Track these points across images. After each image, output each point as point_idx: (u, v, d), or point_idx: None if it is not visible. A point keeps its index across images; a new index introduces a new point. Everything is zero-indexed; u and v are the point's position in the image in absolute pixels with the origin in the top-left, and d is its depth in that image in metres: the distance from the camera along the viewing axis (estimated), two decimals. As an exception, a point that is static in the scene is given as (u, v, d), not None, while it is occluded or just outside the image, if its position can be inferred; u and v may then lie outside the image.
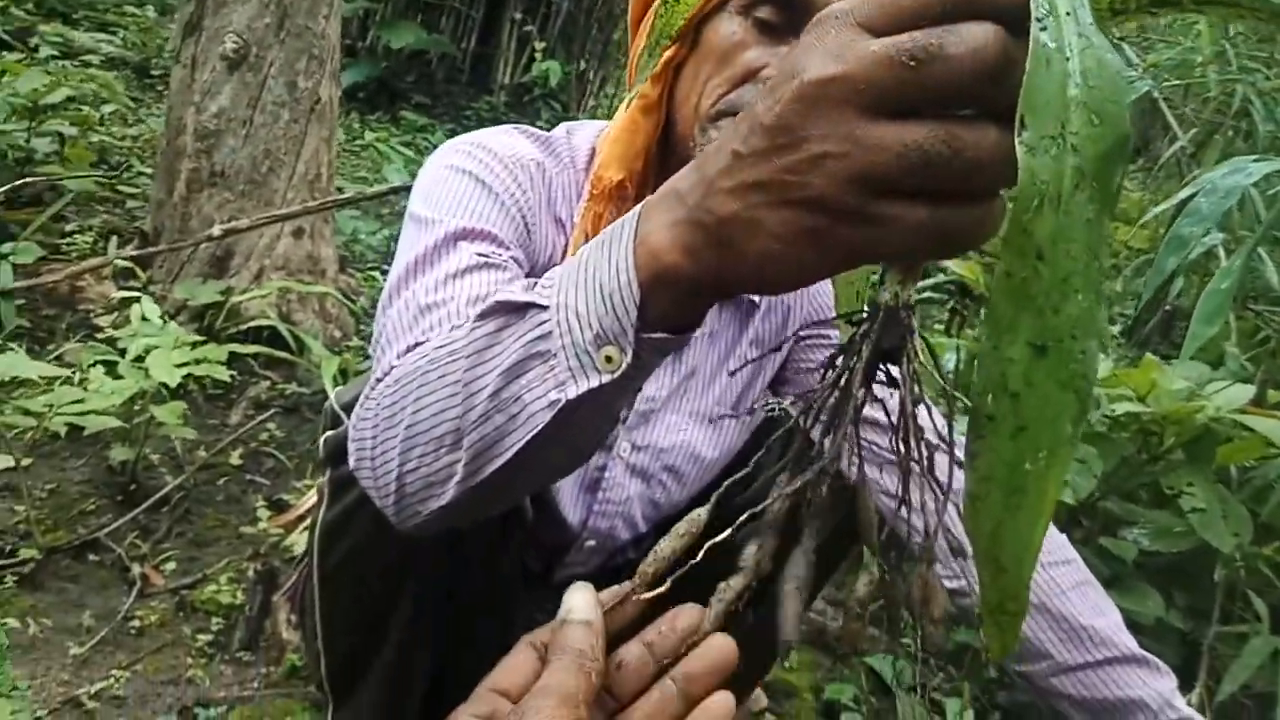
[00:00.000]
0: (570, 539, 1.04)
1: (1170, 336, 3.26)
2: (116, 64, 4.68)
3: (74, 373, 1.66)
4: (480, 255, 0.80)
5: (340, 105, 2.81)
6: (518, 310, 0.58)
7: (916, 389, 0.45)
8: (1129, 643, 0.93)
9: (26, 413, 1.45)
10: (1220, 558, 1.46)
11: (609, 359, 0.53)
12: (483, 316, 0.60)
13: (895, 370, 0.44)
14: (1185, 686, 1.06)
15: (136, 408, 1.65)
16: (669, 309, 0.51)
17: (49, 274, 2.22)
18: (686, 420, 1.04)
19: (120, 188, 2.93)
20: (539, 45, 5.61)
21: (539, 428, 0.57)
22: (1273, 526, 1.51)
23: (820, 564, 0.48)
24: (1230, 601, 1.55)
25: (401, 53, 5.43)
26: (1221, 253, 2.21)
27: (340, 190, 3.09)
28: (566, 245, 0.94)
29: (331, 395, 0.85)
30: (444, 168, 0.88)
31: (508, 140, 0.93)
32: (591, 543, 1.05)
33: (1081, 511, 1.65)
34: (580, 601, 0.45)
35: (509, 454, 0.59)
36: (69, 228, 2.54)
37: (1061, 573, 0.96)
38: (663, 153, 0.91)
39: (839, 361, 0.46)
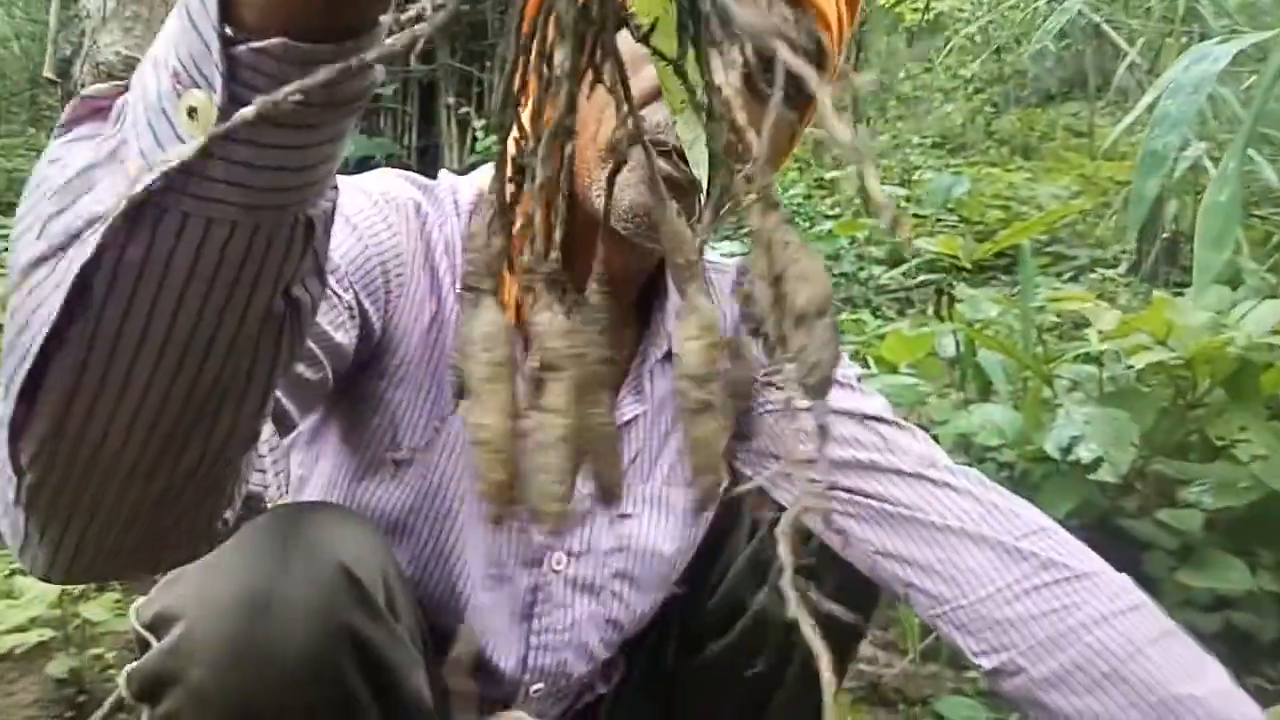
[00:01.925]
0: (509, 689, 0.85)
1: (1178, 261, 3.05)
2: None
3: None
4: None
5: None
6: (104, 107, 0.39)
7: None
8: (1249, 712, 0.71)
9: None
10: (1299, 502, 1.26)
11: (192, 112, 0.34)
12: (64, 127, 0.40)
13: None
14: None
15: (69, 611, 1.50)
16: None
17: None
18: (633, 512, 0.86)
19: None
20: (478, 124, 5.56)
21: (85, 259, 0.35)
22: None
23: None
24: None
25: (348, 162, 5.41)
26: (1207, 163, 2.03)
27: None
28: (441, 298, 0.79)
29: (132, 612, 0.66)
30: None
31: (384, 181, 0.80)
32: (539, 686, 0.86)
33: (1128, 484, 1.46)
34: None
35: (43, 331, 0.36)
36: None
37: (1131, 624, 0.75)
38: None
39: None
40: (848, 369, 0.92)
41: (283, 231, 0.38)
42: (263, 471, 0.59)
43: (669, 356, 0.88)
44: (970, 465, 1.76)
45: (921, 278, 3.74)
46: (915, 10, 7.25)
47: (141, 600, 0.65)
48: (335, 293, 0.69)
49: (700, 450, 0.34)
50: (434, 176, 0.86)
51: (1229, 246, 0.93)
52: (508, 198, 0.34)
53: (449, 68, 6.26)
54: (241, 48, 0.33)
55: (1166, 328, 1.37)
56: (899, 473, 0.83)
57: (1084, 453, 1.29)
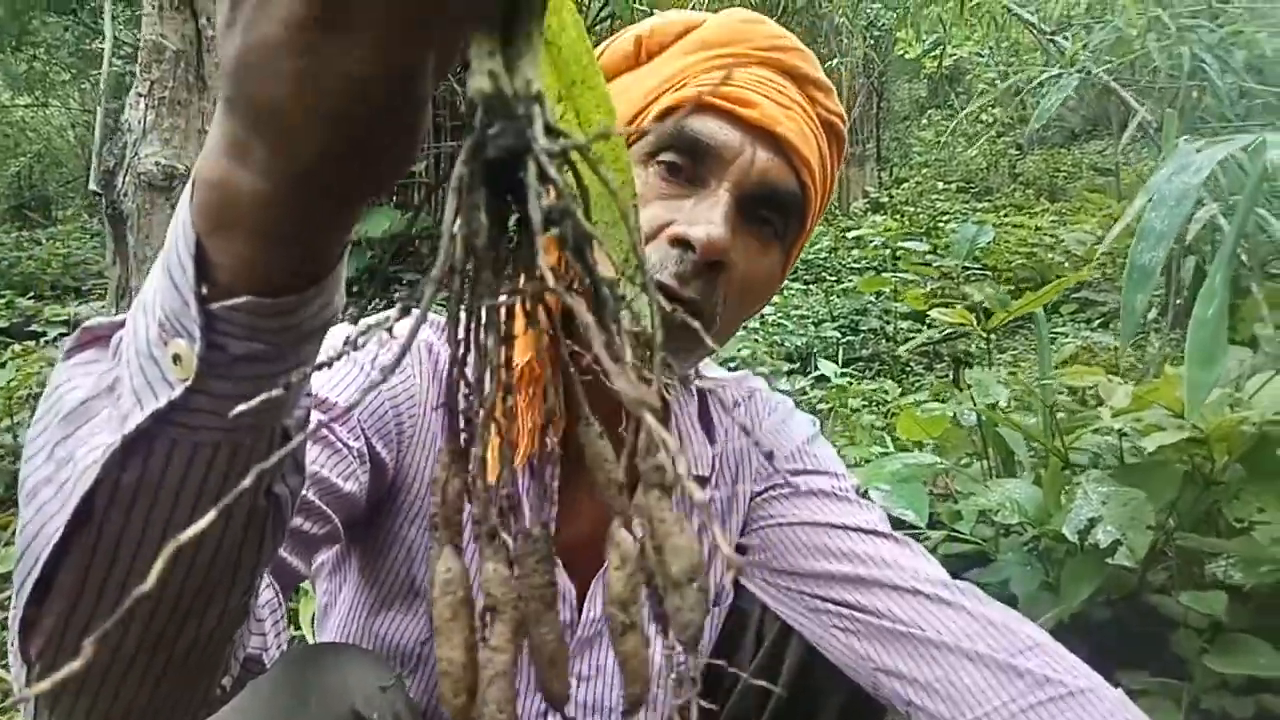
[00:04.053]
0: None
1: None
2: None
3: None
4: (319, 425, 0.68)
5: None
6: (103, 337, 0.44)
7: (560, 219, 0.29)
8: None
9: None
10: (1326, 581, 1.24)
11: (177, 358, 0.38)
12: (69, 352, 0.46)
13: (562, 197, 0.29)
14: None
15: None
16: (247, 253, 0.36)
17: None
18: (613, 665, 0.89)
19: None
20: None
21: (86, 490, 0.39)
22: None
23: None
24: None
25: (383, 239, 5.54)
26: (1222, 221, 2.02)
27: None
28: None
29: None
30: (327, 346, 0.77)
31: (397, 322, 0.83)
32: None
33: (1151, 562, 1.44)
34: None
35: (49, 547, 0.41)
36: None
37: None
38: (570, 325, 0.80)
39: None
40: (844, 481, 0.94)
41: (261, 444, 0.42)
42: (262, 635, 0.62)
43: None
44: (996, 539, 1.76)
45: (948, 330, 3.74)
46: (933, 59, 7.32)
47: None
48: (345, 443, 0.73)
49: (629, 663, 0.37)
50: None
51: (1220, 363, 0.93)
52: (461, 444, 0.37)
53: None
54: (215, 305, 0.37)
55: (1181, 402, 1.36)
56: (895, 588, 0.84)
57: (1101, 536, 1.28)
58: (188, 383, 0.38)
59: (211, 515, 0.26)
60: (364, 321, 0.34)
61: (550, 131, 0.29)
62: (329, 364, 0.32)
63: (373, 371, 0.77)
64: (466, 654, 0.35)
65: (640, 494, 0.30)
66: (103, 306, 5.50)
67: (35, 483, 0.43)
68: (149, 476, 0.40)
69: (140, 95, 2.38)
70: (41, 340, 4.54)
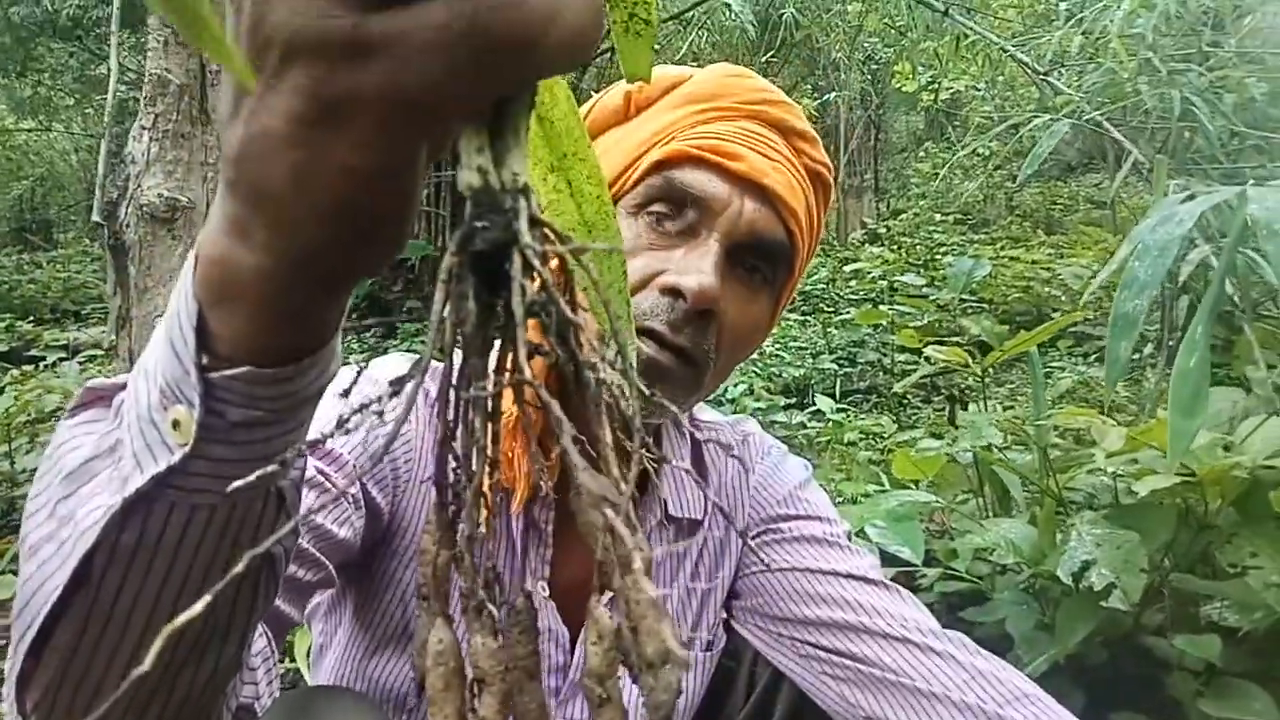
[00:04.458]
0: None
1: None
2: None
3: None
4: (314, 471, 0.69)
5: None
6: (105, 397, 0.46)
7: (542, 310, 0.31)
8: None
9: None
10: (1319, 626, 1.24)
11: (177, 424, 0.39)
12: (72, 412, 0.47)
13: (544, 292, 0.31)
14: None
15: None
16: (246, 326, 0.38)
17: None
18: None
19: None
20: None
21: (87, 550, 0.41)
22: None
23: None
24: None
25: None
26: (1213, 261, 2.05)
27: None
28: None
29: None
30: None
31: (393, 368, 0.83)
32: None
33: (1146, 602, 1.44)
34: None
35: (49, 603, 0.42)
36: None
37: None
38: (563, 379, 0.81)
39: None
40: (836, 526, 0.95)
41: (256, 505, 0.43)
42: (254, 684, 0.63)
43: (667, 519, 0.91)
44: (992, 576, 1.75)
45: (944, 366, 3.75)
46: (931, 92, 7.40)
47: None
48: (340, 489, 0.73)
49: None
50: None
51: (1202, 413, 0.94)
52: (449, 517, 0.38)
53: (478, 170, 6.48)
54: (215, 375, 0.38)
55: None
56: (885, 636, 0.85)
57: (1096, 578, 1.28)
58: (186, 448, 0.39)
59: (202, 603, 0.27)
60: (355, 400, 0.35)
61: (535, 224, 0.30)
62: (322, 441, 0.33)
63: (369, 420, 0.78)
64: (459, 720, 0.36)
65: (617, 577, 0.31)
66: (102, 332, 5.51)
67: (37, 539, 0.44)
68: (147, 537, 0.41)
69: (144, 128, 2.41)
70: (40, 365, 4.55)
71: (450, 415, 0.35)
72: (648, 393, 0.32)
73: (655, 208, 0.77)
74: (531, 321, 0.33)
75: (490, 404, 0.33)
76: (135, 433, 0.41)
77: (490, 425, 0.36)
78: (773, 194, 0.78)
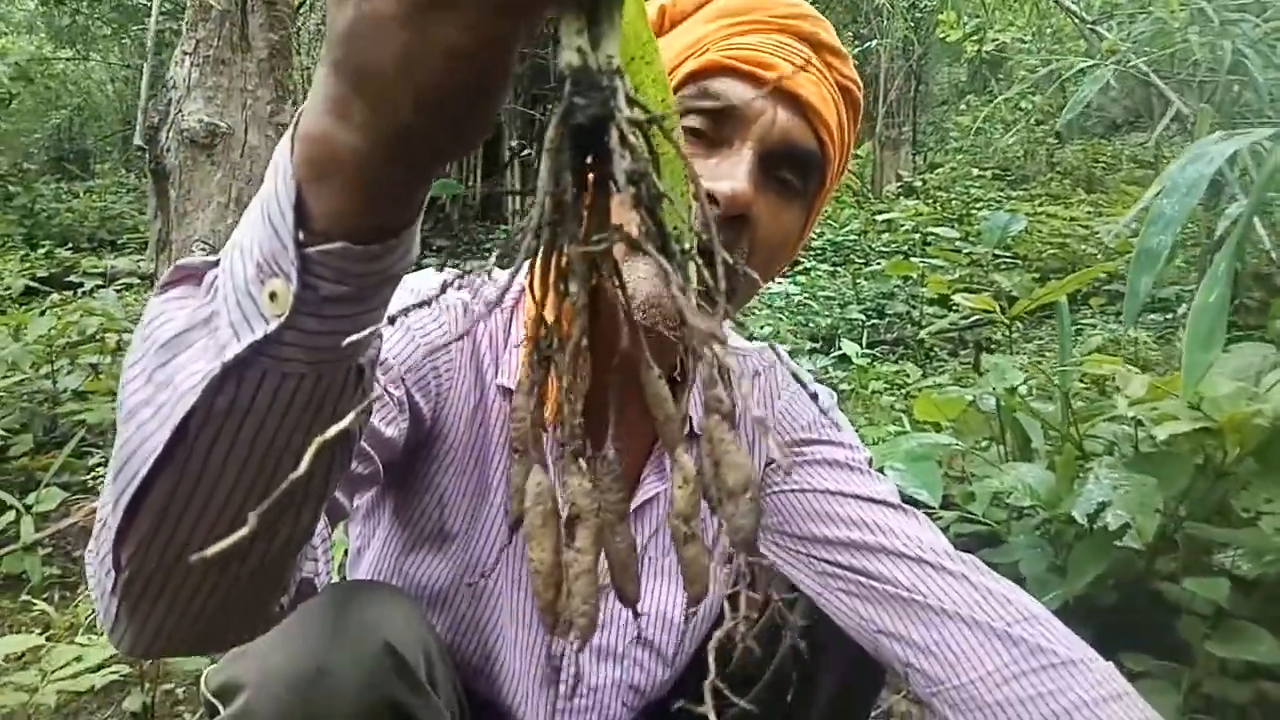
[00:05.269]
0: (537, 752, 0.92)
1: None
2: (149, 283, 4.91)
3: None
4: None
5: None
6: (195, 275, 0.48)
7: (639, 180, 0.33)
8: None
9: (18, 688, 1.43)
10: (1330, 574, 1.26)
11: (274, 296, 0.42)
12: (162, 289, 0.50)
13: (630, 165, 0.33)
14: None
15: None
16: (342, 203, 0.40)
17: (76, 513, 2.25)
18: (652, 583, 0.93)
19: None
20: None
21: (186, 411, 0.44)
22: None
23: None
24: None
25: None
26: (1257, 222, 2.02)
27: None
28: (485, 389, 0.87)
29: (203, 679, 0.75)
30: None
31: (434, 282, 0.88)
32: (565, 755, 0.93)
33: (1159, 549, 1.46)
34: None
35: (149, 462, 0.45)
36: (93, 461, 2.59)
37: (1114, 711, 0.78)
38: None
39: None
40: (858, 453, 0.97)
41: (339, 377, 0.47)
42: (315, 560, 0.67)
43: (692, 435, 0.95)
44: (1008, 521, 1.78)
45: (974, 317, 3.73)
46: (975, 42, 7.22)
47: (212, 668, 0.74)
48: (388, 391, 0.77)
49: (690, 567, 0.41)
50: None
51: (1218, 346, 0.95)
52: (536, 377, 0.41)
53: (513, 110, 6.45)
54: (311, 250, 0.42)
55: (1198, 394, 1.38)
56: (901, 555, 0.88)
57: (1111, 519, 1.31)
58: (282, 318, 0.42)
59: (307, 458, 0.30)
60: (459, 267, 0.38)
61: (631, 102, 0.33)
62: (418, 307, 0.36)
63: (414, 330, 0.81)
64: (554, 556, 0.39)
65: (704, 418, 0.34)
66: (139, 260, 5.60)
67: (134, 404, 0.47)
68: (240, 400, 0.45)
69: (185, 53, 2.43)
70: (79, 291, 4.65)
71: (538, 284, 0.37)
72: (732, 260, 0.35)
73: (688, 121, 0.79)
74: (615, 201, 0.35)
75: (586, 269, 0.35)
76: (232, 304, 0.44)
77: (583, 290, 0.38)
78: (805, 103, 0.79)
